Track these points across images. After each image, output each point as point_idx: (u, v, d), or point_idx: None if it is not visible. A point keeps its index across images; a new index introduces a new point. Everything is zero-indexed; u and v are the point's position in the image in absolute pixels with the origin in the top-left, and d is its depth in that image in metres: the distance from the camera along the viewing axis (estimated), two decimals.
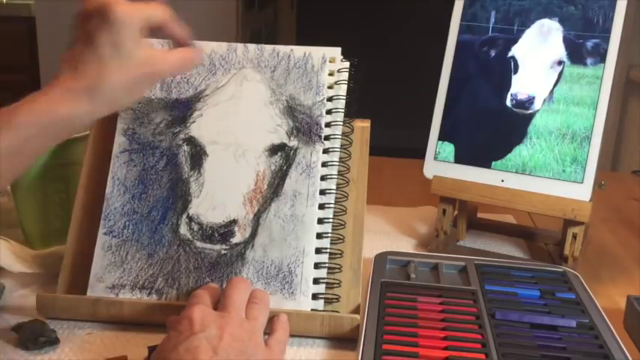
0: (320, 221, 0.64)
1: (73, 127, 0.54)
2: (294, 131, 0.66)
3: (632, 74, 2.07)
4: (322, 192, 0.64)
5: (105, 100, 0.55)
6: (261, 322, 0.55)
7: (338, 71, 0.68)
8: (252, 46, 0.68)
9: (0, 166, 0.51)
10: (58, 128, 0.53)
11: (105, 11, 0.53)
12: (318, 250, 0.63)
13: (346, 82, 0.67)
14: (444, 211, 0.82)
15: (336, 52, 0.68)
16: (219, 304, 0.55)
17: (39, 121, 0.51)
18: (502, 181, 0.77)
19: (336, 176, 0.65)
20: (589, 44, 0.75)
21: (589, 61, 0.75)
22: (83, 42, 0.54)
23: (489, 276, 0.68)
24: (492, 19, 0.80)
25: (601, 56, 0.74)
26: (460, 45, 0.81)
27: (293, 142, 0.66)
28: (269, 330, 0.57)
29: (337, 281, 0.62)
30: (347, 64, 0.68)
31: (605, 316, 0.61)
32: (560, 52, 0.76)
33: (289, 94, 0.67)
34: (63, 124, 0.53)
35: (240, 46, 0.68)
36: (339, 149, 0.66)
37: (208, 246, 0.63)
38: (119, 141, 0.67)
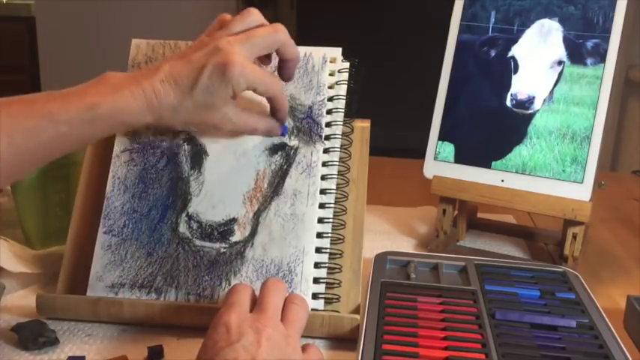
0: (320, 221, 0.64)
1: (122, 128, 0.59)
2: (295, 131, 0.66)
3: (632, 74, 2.07)
4: (322, 191, 0.64)
5: (165, 122, 0.58)
6: (299, 325, 0.52)
7: (338, 71, 0.68)
8: None
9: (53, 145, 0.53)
10: (113, 122, 0.55)
11: (226, 64, 0.56)
12: (318, 250, 0.63)
13: (346, 82, 0.68)
14: (444, 211, 0.82)
15: (336, 52, 0.68)
16: (255, 305, 0.52)
17: (102, 112, 0.54)
18: (502, 181, 0.77)
19: (336, 176, 0.65)
20: (589, 44, 0.75)
21: (589, 61, 0.75)
22: (193, 69, 0.56)
23: (489, 276, 0.68)
24: (492, 19, 0.80)
25: (601, 56, 0.74)
26: (460, 45, 0.81)
27: (293, 142, 0.66)
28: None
29: (337, 281, 0.62)
30: (347, 64, 0.68)
31: (605, 316, 0.61)
32: (560, 52, 0.76)
33: (290, 93, 0.67)
34: (123, 122, 0.56)
35: None
36: (339, 149, 0.66)
37: (207, 244, 0.63)
38: (120, 140, 0.67)
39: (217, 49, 0.56)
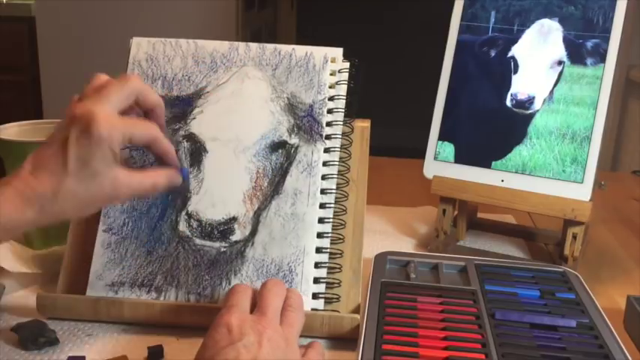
0: (320, 220, 0.64)
1: (6, 232, 0.51)
2: (295, 129, 0.66)
3: (632, 74, 2.07)
4: (322, 191, 0.64)
5: (53, 213, 0.51)
6: (296, 329, 0.52)
7: (339, 71, 0.68)
8: (253, 45, 0.68)
9: None
10: None
11: (88, 124, 0.50)
12: (318, 250, 0.63)
13: (347, 82, 0.68)
14: (444, 211, 0.82)
15: (337, 52, 0.68)
16: (255, 307, 0.52)
17: None
18: (502, 181, 0.77)
19: (336, 176, 0.65)
20: (589, 44, 0.75)
21: (589, 61, 0.75)
22: (58, 146, 0.51)
23: (489, 276, 0.68)
24: (492, 19, 0.80)
25: (601, 56, 0.74)
26: (460, 45, 0.81)
27: (294, 140, 0.66)
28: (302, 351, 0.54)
29: (337, 281, 0.62)
30: (347, 64, 0.68)
31: (605, 316, 0.61)
32: (560, 52, 0.76)
33: (290, 91, 0.67)
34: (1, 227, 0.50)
35: (242, 44, 0.68)
36: (339, 149, 0.66)
37: (208, 243, 0.63)
38: None
39: (73, 116, 0.51)
